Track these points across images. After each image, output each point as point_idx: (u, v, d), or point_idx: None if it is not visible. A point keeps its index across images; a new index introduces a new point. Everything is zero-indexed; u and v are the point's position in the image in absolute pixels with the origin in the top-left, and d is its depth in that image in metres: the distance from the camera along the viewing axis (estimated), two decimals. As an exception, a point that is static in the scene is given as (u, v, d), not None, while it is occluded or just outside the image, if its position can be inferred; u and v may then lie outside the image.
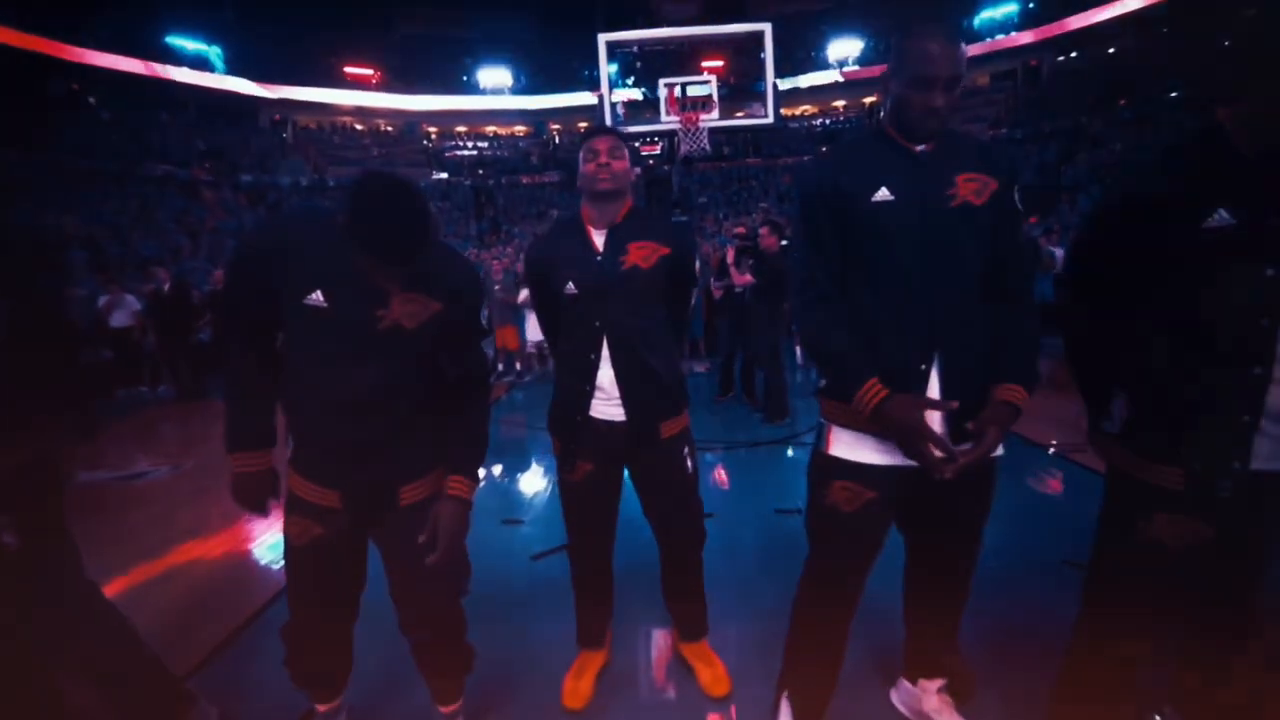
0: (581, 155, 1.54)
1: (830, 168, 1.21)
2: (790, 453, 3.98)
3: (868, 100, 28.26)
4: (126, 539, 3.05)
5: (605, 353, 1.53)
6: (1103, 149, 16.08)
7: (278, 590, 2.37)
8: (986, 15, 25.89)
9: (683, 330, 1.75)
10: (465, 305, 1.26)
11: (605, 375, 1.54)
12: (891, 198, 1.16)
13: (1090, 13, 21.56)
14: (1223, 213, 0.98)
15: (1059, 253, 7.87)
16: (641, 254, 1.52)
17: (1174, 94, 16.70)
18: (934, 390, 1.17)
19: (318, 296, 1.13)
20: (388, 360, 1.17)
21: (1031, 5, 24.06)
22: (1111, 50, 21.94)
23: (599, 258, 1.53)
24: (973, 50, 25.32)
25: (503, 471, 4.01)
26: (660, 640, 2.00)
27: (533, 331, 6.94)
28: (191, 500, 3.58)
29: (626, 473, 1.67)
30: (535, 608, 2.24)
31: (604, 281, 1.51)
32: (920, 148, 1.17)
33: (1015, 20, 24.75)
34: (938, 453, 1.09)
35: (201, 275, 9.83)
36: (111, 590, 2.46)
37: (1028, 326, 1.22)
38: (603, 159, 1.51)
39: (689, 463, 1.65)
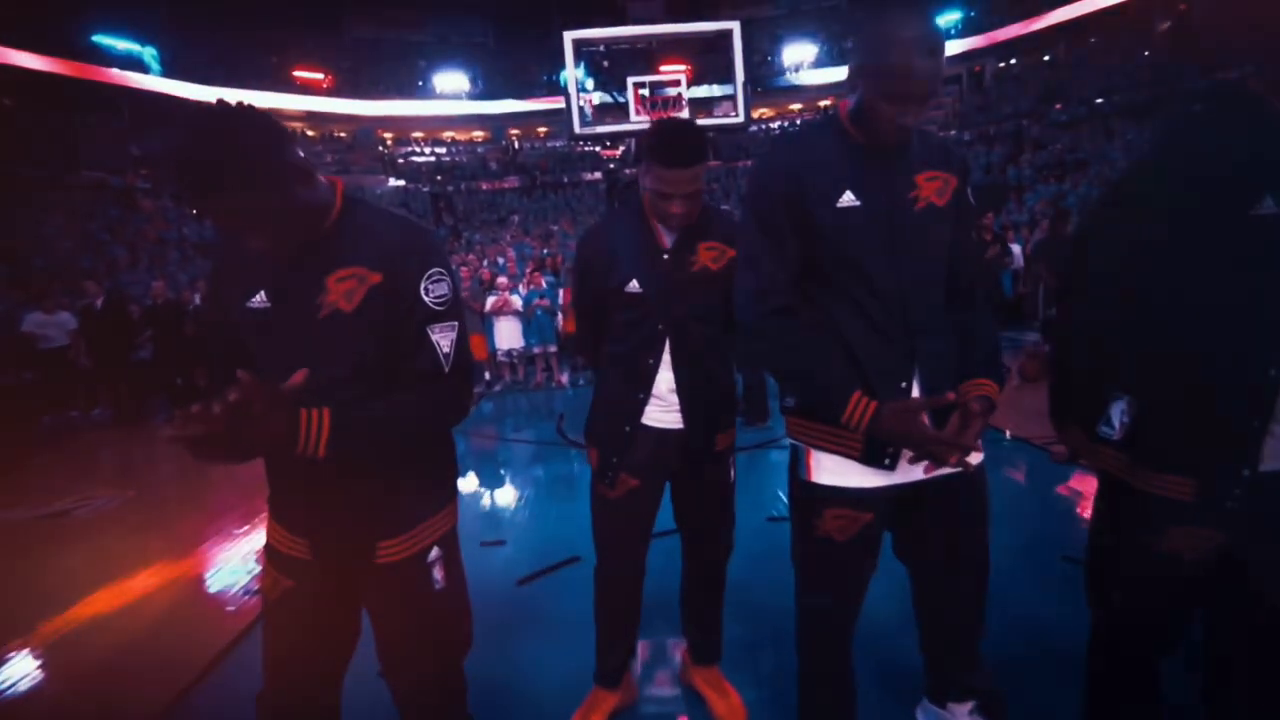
0: (649, 178, 1.35)
1: (787, 165, 1.11)
2: (774, 457, 3.93)
3: (823, 104, 28.98)
4: (61, 580, 2.74)
5: (666, 358, 1.43)
6: (1043, 150, 16.84)
7: (234, 636, 2.15)
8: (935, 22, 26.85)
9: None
10: (410, 273, 0.99)
11: (664, 382, 1.44)
12: (857, 203, 1.08)
13: (1028, 21, 22.66)
14: (1270, 201, 0.93)
15: (1016, 249, 8.16)
16: (711, 255, 1.43)
17: (1100, 100, 17.68)
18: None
19: (260, 298, 0.99)
20: (333, 358, 0.97)
21: (973, 14, 25.13)
22: (1047, 57, 23.11)
23: (665, 255, 1.42)
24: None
25: (477, 489, 3.82)
26: (670, 667, 1.89)
27: (502, 339, 6.75)
28: (137, 532, 3.28)
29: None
30: (526, 639, 2.09)
31: (671, 282, 1.41)
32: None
33: (959, 28, 25.80)
34: (947, 449, 1.04)
35: (142, 288, 9.21)
36: (43, 639, 2.21)
37: (988, 323, 1.20)
38: (675, 208, 1.34)
39: (732, 474, 1.58)
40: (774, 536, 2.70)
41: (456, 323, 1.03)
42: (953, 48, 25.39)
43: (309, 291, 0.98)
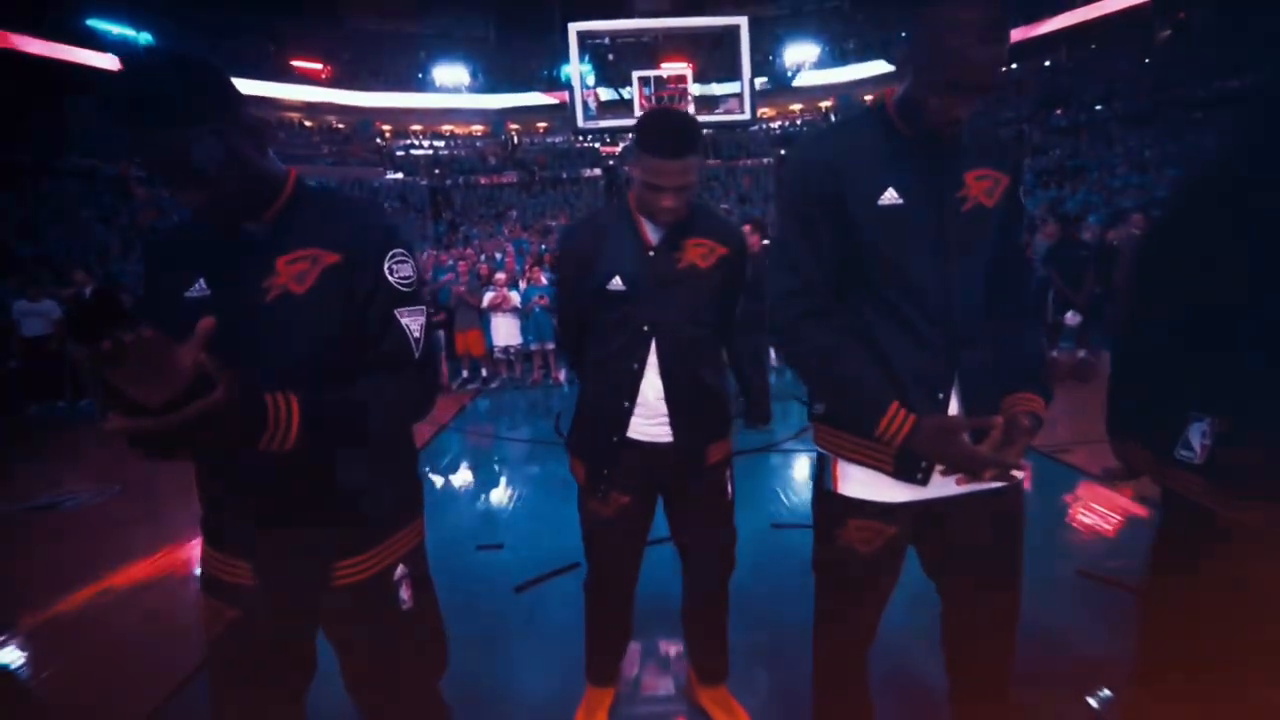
0: (639, 168, 1.28)
1: (826, 159, 1.03)
2: (776, 461, 3.87)
3: (824, 105, 28.93)
4: (45, 576, 2.65)
5: (652, 361, 1.34)
6: (1043, 155, 16.85)
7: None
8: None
9: (728, 341, 1.56)
10: (371, 253, 0.92)
11: (651, 389, 1.35)
12: (900, 201, 1.00)
13: (1029, 27, 22.66)
14: None
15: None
16: (699, 252, 1.35)
17: (1100, 106, 17.71)
18: (954, 412, 1.06)
19: (200, 286, 0.91)
20: (282, 345, 0.89)
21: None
22: (1047, 63, 23.13)
23: (651, 252, 1.34)
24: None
25: (473, 490, 3.74)
26: (675, 683, 1.82)
27: (499, 336, 6.66)
28: (124, 526, 3.18)
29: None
30: (524, 649, 2.01)
31: (657, 280, 1.32)
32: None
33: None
34: (987, 467, 0.96)
35: (134, 277, 9.07)
36: (33, 633, 2.13)
37: (1035, 334, 1.13)
38: (666, 201, 1.26)
39: (729, 488, 1.49)
40: (779, 544, 2.63)
41: (424, 307, 0.97)
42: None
43: (255, 275, 0.89)
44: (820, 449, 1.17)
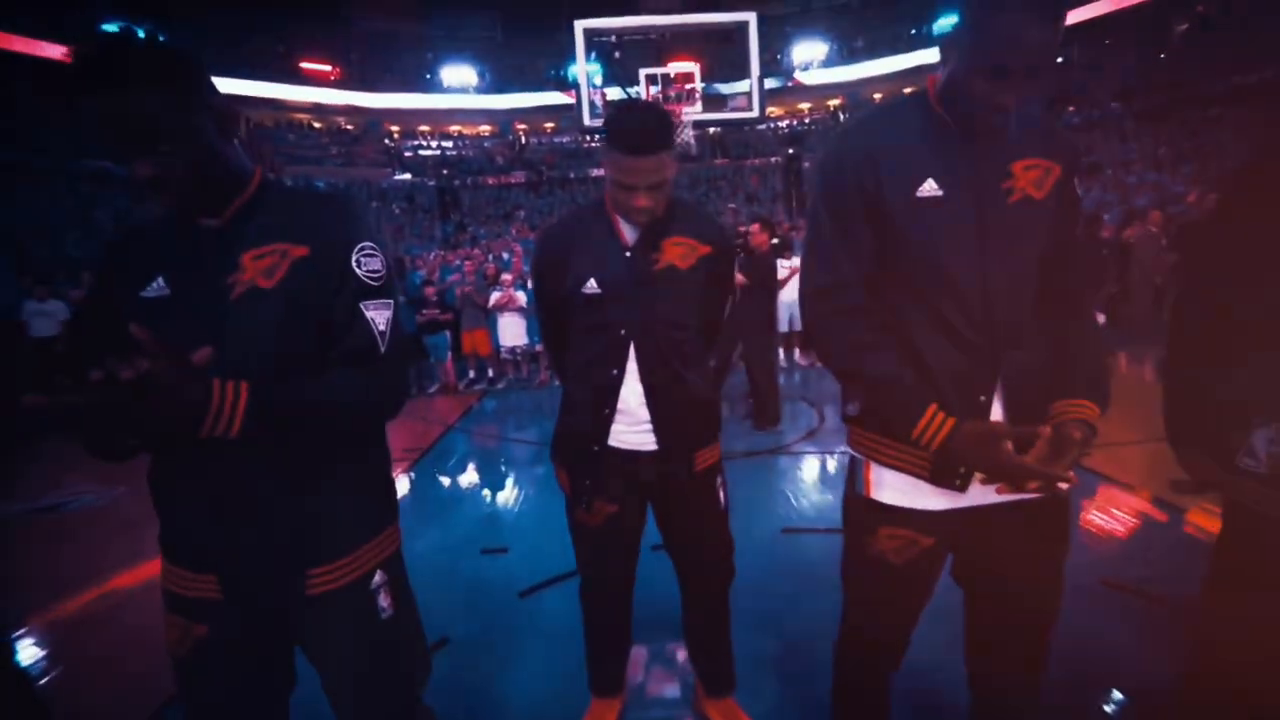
0: (609, 166, 1.22)
1: (861, 148, 0.98)
2: (786, 463, 3.80)
3: (832, 104, 28.76)
4: (49, 578, 2.64)
5: (632, 367, 1.29)
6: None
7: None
8: (946, 22, 26.63)
9: (714, 343, 1.50)
10: (339, 245, 0.91)
11: (631, 395, 1.30)
12: (939, 192, 0.94)
13: None
14: None
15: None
16: (678, 251, 1.29)
17: (1115, 103, 17.46)
18: (997, 417, 0.99)
19: (159, 284, 0.88)
20: (250, 342, 0.86)
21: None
22: (1060, 59, 22.85)
23: (628, 253, 1.28)
24: (934, 55, 26.05)
25: (478, 491, 3.70)
26: (684, 693, 1.76)
27: (505, 336, 6.63)
28: (129, 528, 3.16)
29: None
30: (528, 652, 1.97)
31: (634, 281, 1.27)
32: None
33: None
34: (1032, 477, 0.89)
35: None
36: (38, 633, 2.12)
37: (1093, 336, 1.04)
38: (639, 200, 1.20)
39: (722, 495, 1.44)
40: (790, 549, 2.57)
41: (392, 301, 0.95)
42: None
43: (219, 271, 0.87)
44: (852, 451, 1.12)
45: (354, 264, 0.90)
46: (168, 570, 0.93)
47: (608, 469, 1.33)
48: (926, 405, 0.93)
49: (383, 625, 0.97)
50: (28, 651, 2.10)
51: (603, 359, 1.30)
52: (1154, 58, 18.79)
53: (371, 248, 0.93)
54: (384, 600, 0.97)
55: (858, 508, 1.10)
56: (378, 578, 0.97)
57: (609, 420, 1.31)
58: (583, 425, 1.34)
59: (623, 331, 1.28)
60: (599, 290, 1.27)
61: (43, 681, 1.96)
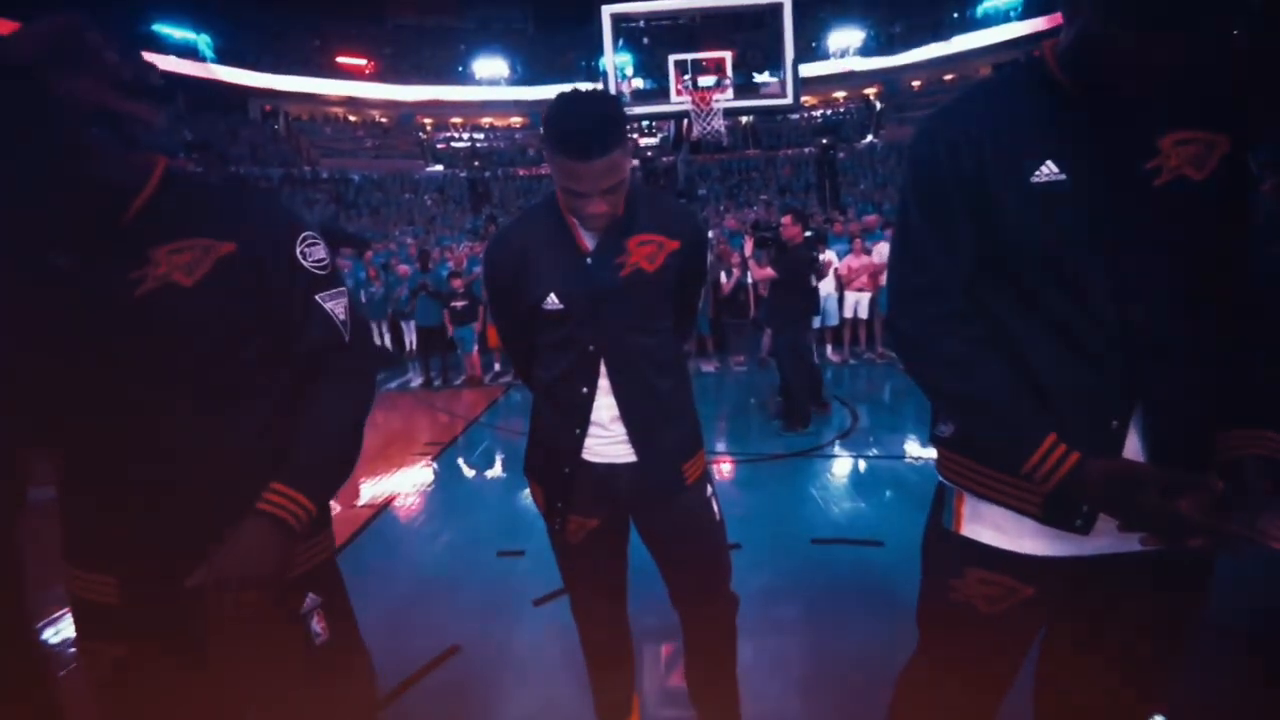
0: (553, 169, 1.07)
1: (961, 130, 0.82)
2: (818, 466, 3.63)
3: (868, 91, 27.92)
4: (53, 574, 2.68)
5: (604, 383, 1.17)
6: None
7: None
8: (990, 4, 25.58)
9: (687, 336, 1.36)
10: (279, 239, 0.85)
11: (605, 409, 1.18)
12: (1062, 177, 0.78)
13: (1051, 18, 21.24)
14: None
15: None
16: (645, 252, 1.14)
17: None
18: (1133, 451, 0.80)
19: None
20: (166, 342, 0.79)
21: (1032, -5, 23.83)
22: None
23: (589, 260, 1.15)
24: (977, 40, 25.09)
25: (499, 490, 3.64)
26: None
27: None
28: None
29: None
30: (543, 663, 1.88)
31: (598, 292, 1.13)
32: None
33: (1020, 9, 24.44)
34: (1193, 530, 0.70)
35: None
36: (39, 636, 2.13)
37: (1275, 349, 0.82)
38: (593, 207, 1.05)
39: (715, 506, 1.29)
40: (819, 561, 2.41)
41: (345, 289, 0.94)
42: (1013, 30, 24.07)
43: (118, 266, 0.78)
44: (943, 478, 0.96)
45: (299, 256, 0.87)
46: (68, 574, 0.88)
47: (584, 485, 1.22)
48: (1043, 435, 0.76)
49: (317, 652, 0.89)
50: (55, 640, 2.12)
51: (570, 376, 1.18)
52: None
53: (313, 237, 0.90)
54: (317, 624, 0.89)
55: (943, 543, 0.94)
56: (309, 600, 0.89)
57: (581, 439, 1.19)
58: (553, 445, 1.22)
59: (591, 348, 1.16)
60: (561, 306, 1.14)
61: (63, 673, 1.96)
